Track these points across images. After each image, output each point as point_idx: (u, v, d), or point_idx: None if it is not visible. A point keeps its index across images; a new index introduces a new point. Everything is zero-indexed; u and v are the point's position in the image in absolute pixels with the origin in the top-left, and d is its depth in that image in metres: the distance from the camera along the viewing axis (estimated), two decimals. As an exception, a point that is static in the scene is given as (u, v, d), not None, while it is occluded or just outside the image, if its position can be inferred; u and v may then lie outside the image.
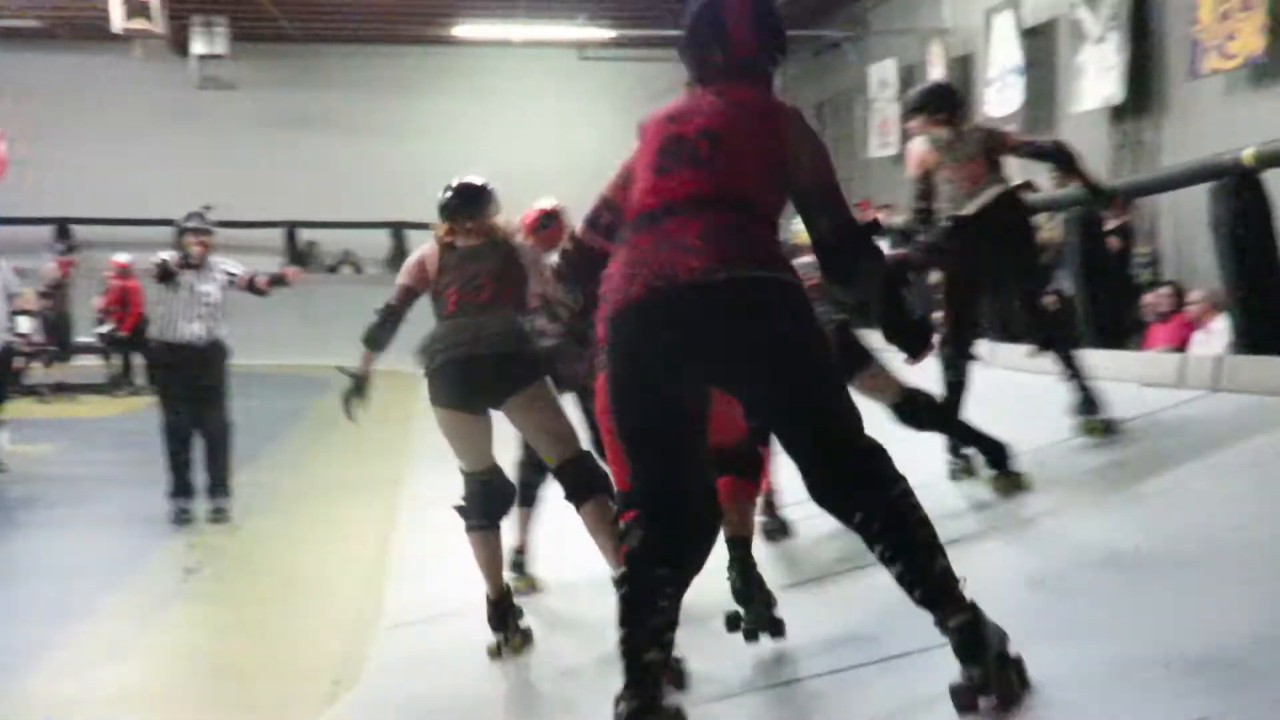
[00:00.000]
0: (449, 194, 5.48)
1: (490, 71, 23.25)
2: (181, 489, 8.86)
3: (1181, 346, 8.71)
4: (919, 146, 6.10)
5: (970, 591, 3.07)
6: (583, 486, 5.12)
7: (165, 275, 8.75)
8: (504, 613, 5.34)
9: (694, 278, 3.10)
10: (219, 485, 8.97)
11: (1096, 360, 7.27)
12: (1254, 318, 6.45)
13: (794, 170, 3.34)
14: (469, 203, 5.44)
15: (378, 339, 5.44)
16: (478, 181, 5.56)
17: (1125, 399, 6.28)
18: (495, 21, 20.98)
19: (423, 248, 5.51)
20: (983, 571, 3.77)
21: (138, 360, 17.02)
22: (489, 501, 5.33)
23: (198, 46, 20.66)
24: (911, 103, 6.29)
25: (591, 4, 19.61)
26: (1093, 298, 8.18)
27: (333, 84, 23.30)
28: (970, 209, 5.94)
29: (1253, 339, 6.38)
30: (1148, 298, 9.93)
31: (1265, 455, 4.94)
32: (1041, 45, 13.93)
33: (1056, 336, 6.23)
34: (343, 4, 20.71)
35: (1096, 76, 12.37)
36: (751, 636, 4.33)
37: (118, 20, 17.17)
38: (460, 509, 5.37)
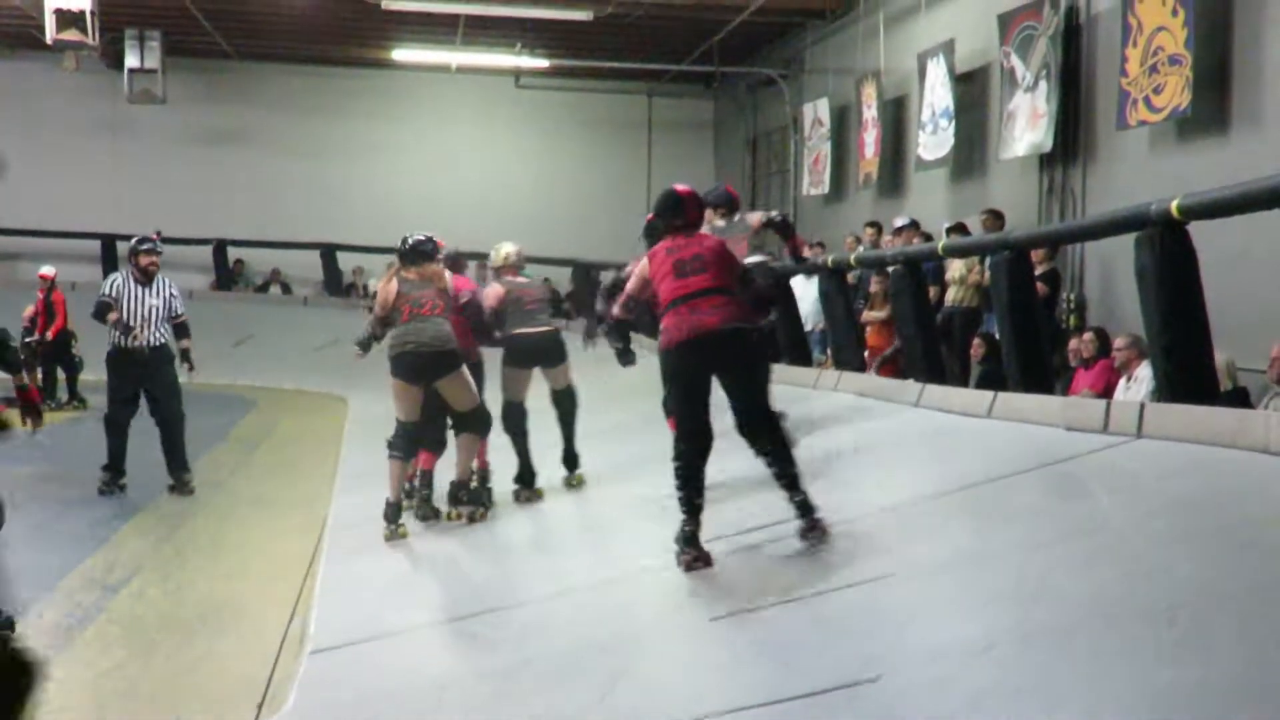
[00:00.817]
0: (407, 246, 8.39)
1: (427, 96, 23.31)
2: (117, 469, 10.42)
3: (1106, 392, 8.86)
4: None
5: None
6: (466, 424, 8.49)
7: (101, 318, 10.25)
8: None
9: (712, 329, 6.17)
10: (178, 463, 10.51)
11: (1022, 403, 7.39)
12: (1177, 366, 6.56)
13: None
14: (422, 255, 8.38)
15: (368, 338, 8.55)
16: (423, 236, 8.50)
17: (1051, 442, 6.38)
18: (434, 47, 21.02)
19: (384, 283, 8.35)
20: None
21: (61, 374, 16.80)
22: (410, 443, 8.33)
23: (130, 60, 20.47)
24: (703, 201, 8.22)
25: (529, 33, 19.67)
26: (1019, 342, 8.29)
27: (267, 103, 23.14)
28: None
29: (1176, 387, 6.49)
30: (1072, 343, 10.10)
31: (1187, 500, 5.06)
32: (974, 91, 14.15)
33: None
34: (280, 23, 20.54)
35: (1026, 124, 12.58)
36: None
37: (50, 30, 16.95)
38: (389, 443, 8.26)
